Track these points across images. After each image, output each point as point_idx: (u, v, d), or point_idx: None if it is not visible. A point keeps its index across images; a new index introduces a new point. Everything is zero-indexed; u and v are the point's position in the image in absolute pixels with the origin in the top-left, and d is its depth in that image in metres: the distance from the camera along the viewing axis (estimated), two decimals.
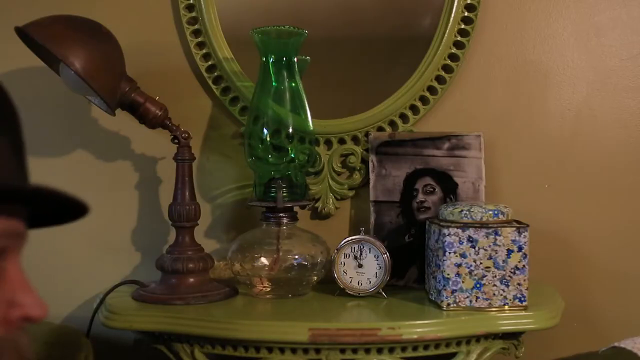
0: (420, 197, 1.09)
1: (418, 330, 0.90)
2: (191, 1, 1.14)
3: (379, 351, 0.92)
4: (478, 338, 0.95)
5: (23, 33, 0.91)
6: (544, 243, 1.17)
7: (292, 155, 1.03)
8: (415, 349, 0.93)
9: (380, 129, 1.14)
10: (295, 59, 1.03)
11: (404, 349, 0.93)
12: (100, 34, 0.96)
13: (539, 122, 1.16)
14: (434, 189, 1.08)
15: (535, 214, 1.16)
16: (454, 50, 1.13)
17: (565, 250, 1.17)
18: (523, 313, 0.94)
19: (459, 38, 1.13)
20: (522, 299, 0.94)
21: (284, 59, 1.02)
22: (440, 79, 1.14)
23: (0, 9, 1.14)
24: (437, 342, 0.93)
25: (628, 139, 1.16)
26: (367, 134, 1.13)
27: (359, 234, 1.03)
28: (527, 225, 0.93)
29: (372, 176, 1.10)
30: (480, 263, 0.93)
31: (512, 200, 1.15)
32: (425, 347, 0.93)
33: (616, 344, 1.00)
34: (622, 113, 1.16)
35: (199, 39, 1.15)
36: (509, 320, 0.93)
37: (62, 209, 0.48)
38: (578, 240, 1.17)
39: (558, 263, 1.17)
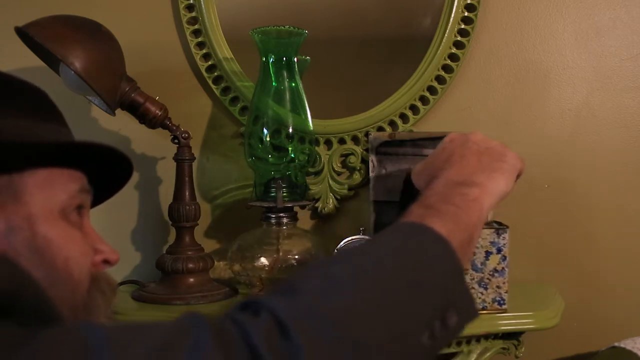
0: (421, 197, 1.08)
1: None
2: (191, 1, 1.14)
3: None
4: (478, 338, 0.95)
5: (23, 33, 0.91)
6: (544, 243, 1.17)
7: (292, 155, 1.03)
8: None
9: (380, 129, 1.14)
10: (295, 59, 1.03)
11: None
12: (100, 34, 0.96)
13: (539, 122, 1.16)
14: None
15: (535, 214, 1.17)
16: (454, 50, 1.13)
17: (565, 250, 1.17)
18: (523, 313, 0.94)
19: (459, 38, 1.13)
20: (502, 302, 0.92)
21: (284, 59, 1.02)
22: (440, 79, 1.14)
23: (0, 9, 1.14)
24: None
25: (628, 139, 1.16)
26: (367, 134, 1.13)
27: (359, 234, 1.03)
28: (507, 227, 0.92)
29: (372, 176, 1.09)
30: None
31: (511, 200, 1.15)
32: None
33: (616, 344, 1.00)
34: (622, 113, 1.16)
35: (199, 39, 1.15)
36: (509, 320, 0.93)
37: (110, 175, 0.62)
38: (578, 240, 1.17)
39: (558, 263, 1.17)
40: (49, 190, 0.54)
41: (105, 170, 0.61)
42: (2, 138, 0.51)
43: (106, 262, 0.59)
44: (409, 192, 1.09)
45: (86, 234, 0.57)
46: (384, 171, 1.09)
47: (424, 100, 1.14)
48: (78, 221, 0.56)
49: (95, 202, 0.63)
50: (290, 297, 0.43)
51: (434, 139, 1.08)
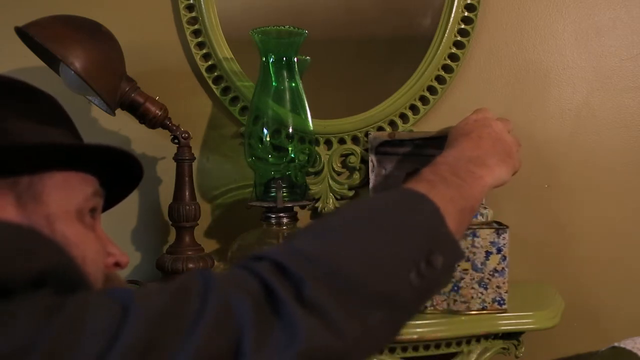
0: None
1: (418, 330, 0.90)
2: (191, 1, 1.14)
3: (380, 351, 0.92)
4: (478, 338, 0.95)
5: (23, 33, 0.91)
6: (544, 243, 1.17)
7: (292, 155, 1.03)
8: (415, 349, 0.93)
9: (380, 129, 1.14)
10: (295, 59, 1.03)
11: (404, 349, 0.93)
12: (100, 34, 0.96)
13: (539, 122, 1.16)
14: None
15: (535, 214, 1.17)
16: (454, 50, 1.13)
17: (565, 250, 1.17)
18: (523, 313, 0.94)
19: (459, 38, 1.13)
20: (502, 302, 0.92)
21: (284, 59, 1.02)
22: (440, 79, 1.14)
23: (0, 9, 1.14)
24: (438, 342, 0.93)
25: (628, 139, 1.16)
26: (367, 134, 1.13)
27: None
28: (507, 227, 0.92)
29: (371, 176, 1.08)
30: (458, 265, 0.92)
31: (511, 200, 1.15)
32: (426, 347, 0.93)
33: (616, 344, 1.00)
34: (622, 113, 1.16)
35: (199, 39, 1.15)
36: (509, 320, 0.93)
37: (122, 177, 0.65)
38: (578, 240, 1.17)
39: (558, 263, 1.17)
40: (67, 192, 0.55)
41: (115, 174, 0.63)
42: (23, 140, 0.53)
43: (117, 264, 0.61)
44: None
45: (98, 236, 0.59)
46: (383, 171, 1.09)
47: (424, 100, 1.14)
48: (91, 223, 0.58)
49: (104, 207, 0.64)
50: (283, 247, 0.49)
51: (435, 139, 1.07)
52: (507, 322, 0.93)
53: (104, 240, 0.60)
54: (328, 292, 0.44)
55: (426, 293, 0.52)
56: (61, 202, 0.55)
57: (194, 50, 1.15)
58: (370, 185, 1.08)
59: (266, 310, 0.42)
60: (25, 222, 0.52)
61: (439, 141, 1.07)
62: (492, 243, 0.91)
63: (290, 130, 1.02)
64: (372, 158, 1.06)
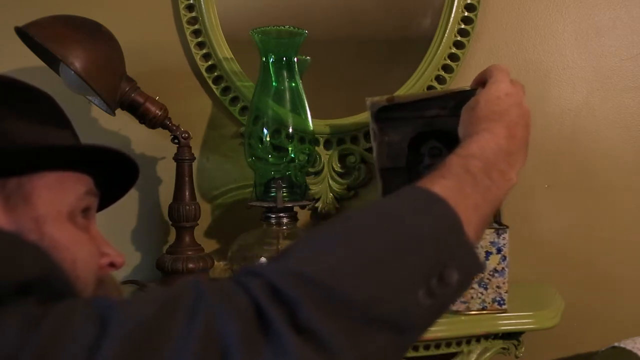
0: (427, 160, 1.01)
1: None
2: (191, 1, 1.14)
3: None
4: (478, 338, 0.95)
5: (23, 33, 0.91)
6: (544, 243, 1.17)
7: (292, 155, 1.03)
8: (415, 349, 0.93)
9: None
10: (295, 59, 1.03)
11: None
12: (100, 34, 0.96)
13: (539, 122, 1.16)
14: (441, 151, 0.96)
15: (534, 214, 1.17)
16: (454, 50, 1.13)
17: (565, 250, 1.17)
18: (523, 313, 0.94)
19: (459, 38, 1.13)
20: (502, 302, 0.92)
21: (284, 59, 1.02)
22: (440, 79, 1.14)
23: (0, 9, 1.14)
24: (438, 342, 0.93)
25: (628, 139, 1.16)
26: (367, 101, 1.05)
27: None
28: (507, 227, 0.92)
29: (374, 145, 1.02)
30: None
31: (511, 200, 1.15)
32: (426, 347, 0.93)
33: (616, 344, 1.00)
34: (622, 113, 1.16)
35: (199, 39, 1.15)
36: (509, 320, 0.94)
37: (117, 177, 0.63)
38: (578, 240, 1.17)
39: (558, 263, 1.17)
40: (57, 193, 0.54)
41: (112, 173, 0.62)
42: (12, 142, 0.52)
43: (112, 265, 0.60)
44: (414, 156, 1.04)
45: (92, 236, 0.58)
46: (386, 138, 1.01)
47: None
48: (85, 224, 0.57)
49: (101, 206, 0.64)
50: (277, 262, 0.44)
51: (436, 98, 0.94)
52: (507, 322, 0.93)
53: (99, 241, 0.59)
54: (324, 316, 0.40)
55: (436, 312, 0.47)
56: (52, 203, 0.53)
57: (194, 50, 1.15)
58: (374, 154, 1.00)
59: (256, 333, 0.39)
60: (13, 226, 0.51)
61: (441, 101, 0.97)
62: (492, 243, 0.91)
63: (290, 130, 1.02)
64: (372, 126, 0.97)
